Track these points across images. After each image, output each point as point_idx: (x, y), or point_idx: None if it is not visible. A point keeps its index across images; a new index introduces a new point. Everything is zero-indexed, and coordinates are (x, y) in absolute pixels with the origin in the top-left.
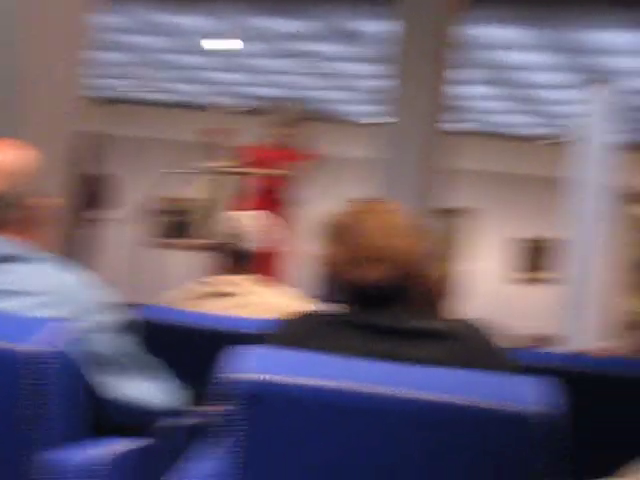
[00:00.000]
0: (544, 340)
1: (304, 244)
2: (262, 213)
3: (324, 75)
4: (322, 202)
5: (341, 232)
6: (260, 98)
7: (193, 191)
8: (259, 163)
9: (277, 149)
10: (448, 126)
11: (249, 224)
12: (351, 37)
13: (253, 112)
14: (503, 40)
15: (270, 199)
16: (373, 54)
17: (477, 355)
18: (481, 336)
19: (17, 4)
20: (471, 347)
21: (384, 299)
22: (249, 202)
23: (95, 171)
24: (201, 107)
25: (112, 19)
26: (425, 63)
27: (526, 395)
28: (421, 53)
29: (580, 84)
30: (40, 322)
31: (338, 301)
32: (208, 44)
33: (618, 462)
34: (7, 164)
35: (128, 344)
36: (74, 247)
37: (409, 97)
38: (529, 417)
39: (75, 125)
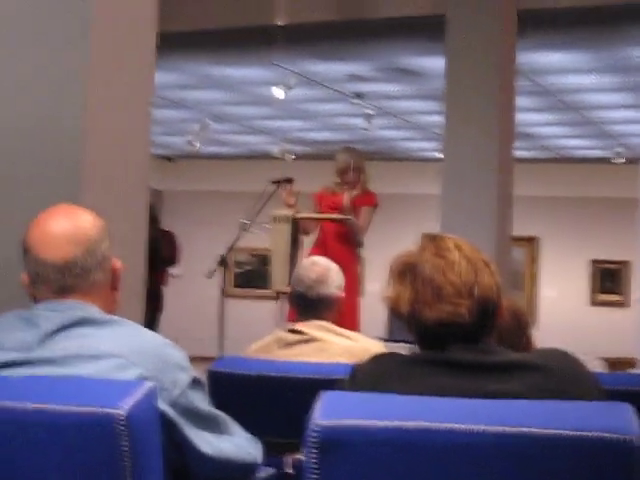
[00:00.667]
0: (627, 363)
1: (374, 286)
2: (332, 258)
3: (384, 115)
4: (393, 242)
5: (411, 271)
6: (322, 143)
7: (267, 240)
8: (328, 208)
9: (343, 194)
10: (513, 154)
11: (320, 270)
12: (407, 75)
13: (317, 157)
14: (558, 65)
15: (341, 244)
16: (430, 91)
17: (566, 385)
18: (568, 365)
19: (88, 60)
20: (559, 377)
21: (464, 336)
22: (320, 248)
23: (159, 228)
24: (265, 156)
25: (166, 76)
26: (474, 95)
27: (620, 421)
28: (467, 86)
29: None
30: (128, 384)
31: (408, 342)
32: (268, 92)
33: None
34: (77, 229)
35: (206, 400)
36: (151, 305)
37: (462, 129)
38: (627, 443)
39: (148, 183)
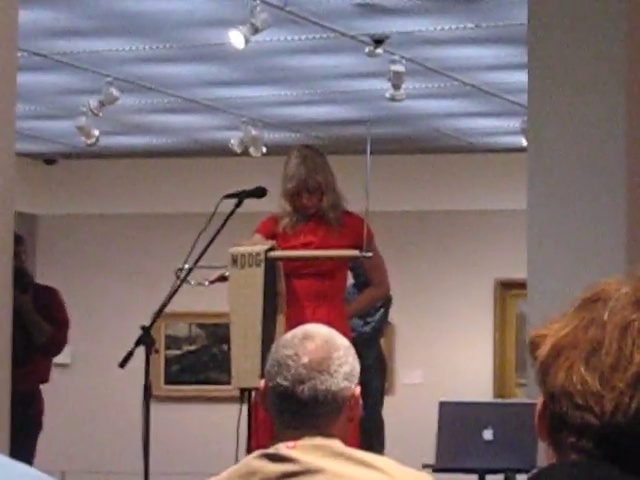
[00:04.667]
0: None
1: (409, 377)
2: (330, 324)
3: (423, 73)
4: (441, 298)
5: (594, 307)
6: (318, 124)
7: (224, 299)
8: (293, 243)
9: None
10: None
11: (319, 349)
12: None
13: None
14: None
15: (325, 307)
16: (502, 29)
17: None
18: None
19: None
20: None
21: (597, 443)
22: (300, 309)
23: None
24: (215, 150)
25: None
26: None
27: None
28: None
29: None
30: None
31: (468, 470)
32: (218, 37)
33: None
34: None
35: None
36: (22, 418)
37: (557, 94)
38: None
39: (13, 205)
